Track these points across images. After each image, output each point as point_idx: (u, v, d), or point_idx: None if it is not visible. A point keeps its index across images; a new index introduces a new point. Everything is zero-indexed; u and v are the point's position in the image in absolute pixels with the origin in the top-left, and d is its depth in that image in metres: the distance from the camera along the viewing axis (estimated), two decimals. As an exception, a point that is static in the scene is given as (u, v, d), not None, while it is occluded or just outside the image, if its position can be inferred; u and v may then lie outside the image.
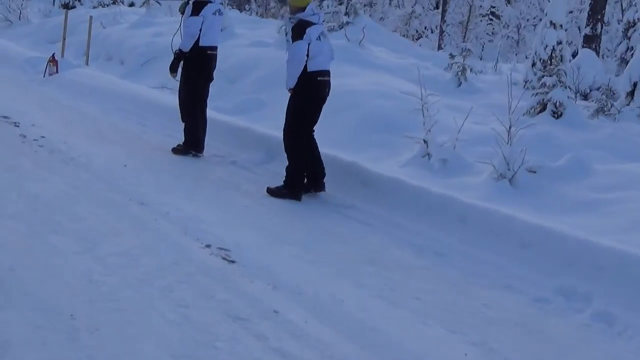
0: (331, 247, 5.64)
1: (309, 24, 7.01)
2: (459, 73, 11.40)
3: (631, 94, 10.85)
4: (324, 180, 7.10)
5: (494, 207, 6.00)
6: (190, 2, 7.96)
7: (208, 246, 5.13)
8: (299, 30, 6.96)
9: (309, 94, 7.07)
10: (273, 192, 6.94)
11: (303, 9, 7.07)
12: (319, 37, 7.08)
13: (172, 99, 8.81)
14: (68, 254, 4.65)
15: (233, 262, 4.91)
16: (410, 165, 7.44)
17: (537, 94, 9.82)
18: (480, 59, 23.64)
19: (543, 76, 11.10)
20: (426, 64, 12.42)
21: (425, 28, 32.34)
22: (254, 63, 11.25)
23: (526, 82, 12.65)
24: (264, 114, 9.45)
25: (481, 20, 30.34)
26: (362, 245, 5.71)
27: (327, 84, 7.15)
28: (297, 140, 7.09)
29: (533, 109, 9.71)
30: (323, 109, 7.15)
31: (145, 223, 5.48)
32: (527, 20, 30.55)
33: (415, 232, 6.06)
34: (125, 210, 5.74)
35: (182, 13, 8.00)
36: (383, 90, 9.22)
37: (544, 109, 9.67)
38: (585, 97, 13.24)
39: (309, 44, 6.91)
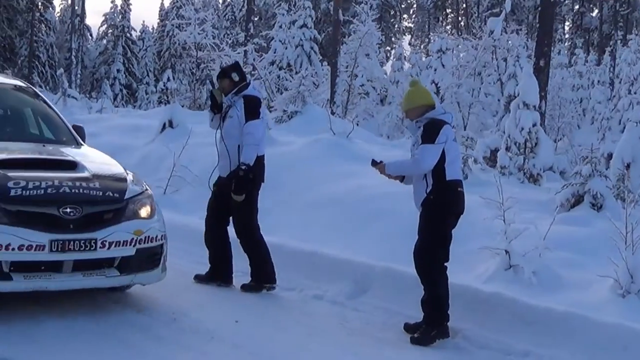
0: None
1: (443, 122, 6.30)
2: (463, 164, 10.59)
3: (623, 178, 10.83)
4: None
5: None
6: (241, 98, 7.11)
7: None
8: (431, 130, 6.22)
9: (449, 206, 6.33)
10: (420, 340, 6.12)
11: (433, 107, 6.36)
12: (455, 139, 6.44)
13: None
14: None
15: None
16: (497, 280, 6.86)
17: (570, 184, 9.29)
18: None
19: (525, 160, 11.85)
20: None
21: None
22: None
23: (502, 168, 12.35)
24: (271, 223, 8.46)
25: (362, 97, 29.17)
26: None
27: (464, 197, 6.41)
28: (435, 262, 6.31)
29: (567, 202, 9.09)
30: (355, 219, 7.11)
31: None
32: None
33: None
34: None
35: (218, 111, 7.18)
36: (405, 190, 8.46)
37: (579, 201, 9.11)
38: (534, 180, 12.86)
39: (443, 146, 6.19)
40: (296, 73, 28.18)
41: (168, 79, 26.76)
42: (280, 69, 32.28)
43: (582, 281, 6.76)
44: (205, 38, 27.79)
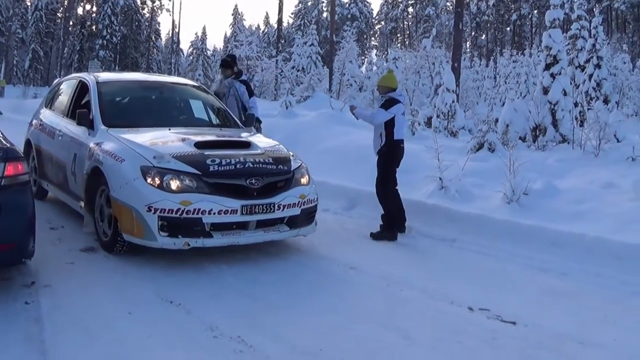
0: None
1: (397, 101, 7.94)
2: (411, 126, 13.74)
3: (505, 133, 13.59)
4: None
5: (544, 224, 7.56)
6: (239, 82, 9.45)
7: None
8: (387, 103, 7.91)
9: (394, 156, 7.99)
10: (375, 236, 7.84)
11: (394, 90, 8.02)
12: (403, 113, 8.07)
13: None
14: None
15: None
16: (435, 196, 8.99)
17: (475, 137, 12.05)
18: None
19: (448, 123, 15.05)
20: None
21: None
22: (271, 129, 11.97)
23: (435, 128, 16.00)
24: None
25: (347, 87, 38.02)
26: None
27: (403, 150, 8.16)
28: (387, 190, 7.99)
29: (474, 147, 11.95)
30: (341, 160, 8.57)
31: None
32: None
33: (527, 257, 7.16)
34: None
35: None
36: None
37: (481, 147, 11.92)
38: (454, 135, 16.53)
39: (394, 117, 7.89)
40: (307, 73, 40.59)
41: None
42: (297, 70, 45.72)
43: (485, 195, 8.74)
44: (251, 52, 49.22)
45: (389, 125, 7.99)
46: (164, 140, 6.78)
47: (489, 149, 11.80)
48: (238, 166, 6.38)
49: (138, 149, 6.56)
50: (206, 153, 6.42)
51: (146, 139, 6.80)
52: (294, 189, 6.72)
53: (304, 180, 6.93)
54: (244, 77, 9.72)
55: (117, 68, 53.34)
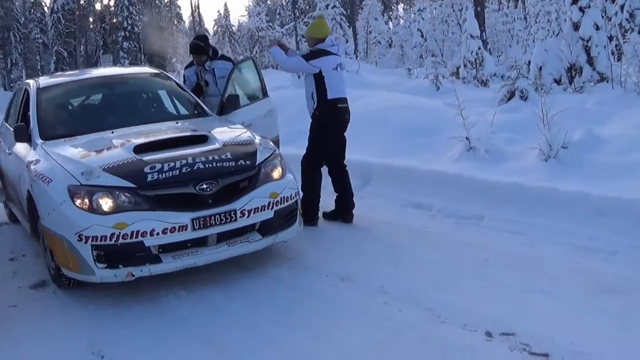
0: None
1: (327, 52, 6.88)
2: (435, 80, 12.78)
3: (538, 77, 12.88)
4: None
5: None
6: (219, 61, 8.09)
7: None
8: (311, 55, 6.86)
9: (331, 119, 6.93)
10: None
11: (322, 40, 6.97)
12: (336, 67, 6.93)
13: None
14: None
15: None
16: (462, 160, 8.12)
17: (505, 85, 11.07)
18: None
19: (476, 72, 14.66)
20: (401, 79, 14.08)
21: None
22: (283, 102, 11.37)
23: (463, 79, 15.27)
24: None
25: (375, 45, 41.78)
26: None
27: (346, 110, 7.02)
28: (317, 166, 6.99)
29: (505, 97, 11.02)
30: (354, 130, 7.19)
31: None
32: (405, 40, 40.21)
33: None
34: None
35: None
36: (400, 104, 10.11)
37: (512, 96, 11.00)
38: (485, 83, 15.78)
39: (321, 73, 6.80)
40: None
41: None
42: None
43: (519, 153, 7.84)
44: (261, 23, 50.97)
45: (319, 82, 6.91)
46: (100, 148, 5.74)
47: (521, 97, 10.89)
48: (184, 170, 5.30)
49: (67, 165, 5.51)
50: (145, 159, 5.38)
51: (78, 151, 5.79)
52: (261, 188, 5.56)
53: (275, 174, 5.76)
54: (225, 57, 8.47)
55: (143, 57, 53.31)
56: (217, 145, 5.68)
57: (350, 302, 4.98)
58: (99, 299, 5.44)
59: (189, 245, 5.23)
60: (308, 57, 6.90)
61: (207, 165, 5.38)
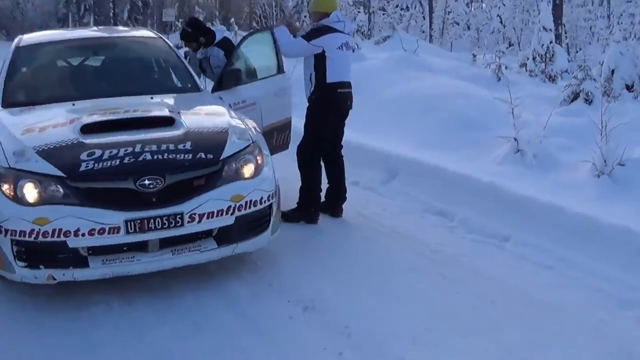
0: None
1: (331, 30, 6.20)
2: (497, 70, 12.04)
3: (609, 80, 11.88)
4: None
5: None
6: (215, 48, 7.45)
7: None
8: (312, 32, 6.18)
9: (328, 106, 6.29)
10: (285, 216, 5.90)
11: (327, 15, 6.29)
12: (342, 46, 6.26)
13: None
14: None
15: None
16: (507, 162, 7.38)
17: (568, 85, 10.35)
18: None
19: (545, 66, 14.20)
20: (463, 64, 13.57)
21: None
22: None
23: (530, 72, 14.74)
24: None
25: (453, 26, 42.10)
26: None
27: (348, 96, 6.36)
28: (315, 156, 6.37)
29: (569, 97, 10.25)
30: (393, 115, 6.83)
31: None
32: (484, 24, 40.19)
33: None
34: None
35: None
36: (453, 91, 9.42)
37: (576, 97, 10.19)
38: (553, 79, 15.04)
39: (324, 52, 6.15)
40: (407, 10, 43.79)
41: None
42: (401, 9, 46.23)
43: (571, 163, 7.04)
44: None
45: (320, 62, 6.20)
46: (47, 124, 4.95)
47: (586, 100, 10.02)
48: (127, 160, 4.44)
49: (5, 142, 4.76)
50: (87, 142, 4.58)
51: (25, 125, 5.01)
52: (221, 188, 4.64)
53: (246, 172, 4.82)
54: (224, 37, 7.78)
55: (218, 14, 52.50)
56: (177, 132, 4.82)
57: (296, 346, 4.04)
58: (30, 308, 4.67)
59: (125, 248, 4.48)
60: (309, 36, 6.20)
61: (155, 157, 4.52)
